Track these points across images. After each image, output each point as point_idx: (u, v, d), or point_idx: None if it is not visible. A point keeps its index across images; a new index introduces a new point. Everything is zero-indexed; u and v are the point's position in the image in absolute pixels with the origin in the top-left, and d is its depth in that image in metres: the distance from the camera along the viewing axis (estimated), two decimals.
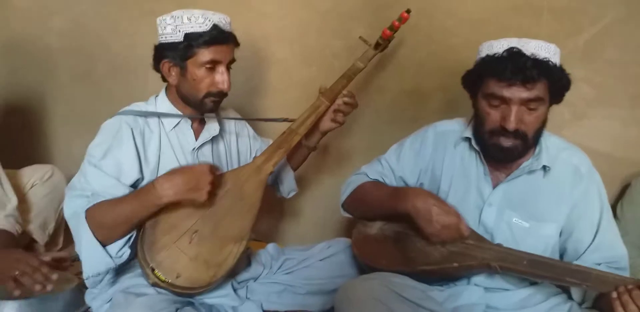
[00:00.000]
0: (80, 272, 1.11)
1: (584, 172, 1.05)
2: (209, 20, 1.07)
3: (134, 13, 1.68)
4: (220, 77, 1.10)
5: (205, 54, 1.08)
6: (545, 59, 0.96)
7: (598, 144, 1.53)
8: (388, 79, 1.65)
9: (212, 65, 1.10)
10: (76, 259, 1.44)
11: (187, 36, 1.07)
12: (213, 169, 1.02)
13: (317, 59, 1.66)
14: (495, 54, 0.98)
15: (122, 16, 1.69)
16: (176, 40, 1.09)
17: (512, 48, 0.97)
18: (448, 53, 1.56)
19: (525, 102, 0.97)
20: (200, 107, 1.14)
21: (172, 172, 1.01)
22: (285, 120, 1.24)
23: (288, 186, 1.40)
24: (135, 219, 1.01)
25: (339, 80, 1.25)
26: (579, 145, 1.14)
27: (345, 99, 1.21)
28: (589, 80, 1.49)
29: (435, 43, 1.58)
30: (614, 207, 1.47)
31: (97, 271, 1.02)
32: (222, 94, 1.13)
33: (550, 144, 1.08)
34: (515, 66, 0.94)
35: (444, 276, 1.07)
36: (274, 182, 1.39)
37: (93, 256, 1.01)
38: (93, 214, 1.00)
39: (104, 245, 1.01)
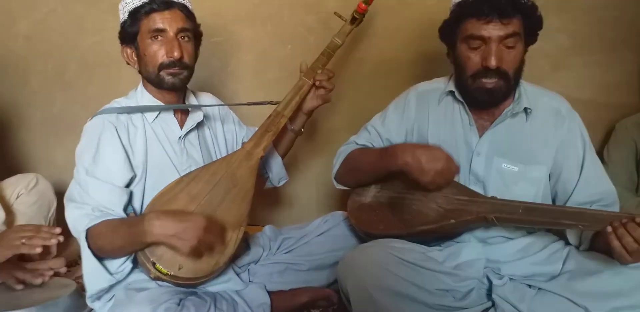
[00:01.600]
0: (79, 277, 1.11)
1: (565, 113, 1.09)
2: None
3: (99, 8, 1.64)
4: (168, 45, 1.06)
5: (146, 24, 1.06)
6: None
7: (580, 92, 1.53)
8: (365, 50, 1.62)
9: (158, 34, 1.06)
10: (72, 264, 1.43)
11: (130, 13, 1.07)
12: (208, 225, 0.96)
13: (292, 36, 1.63)
14: None
15: (87, 13, 1.65)
16: (123, 21, 1.08)
17: None
18: (422, 17, 1.54)
19: (503, 39, 1.00)
20: (161, 84, 1.10)
21: (167, 213, 0.98)
22: (269, 103, 1.22)
23: (277, 173, 1.37)
24: (129, 248, 0.99)
25: (319, 58, 1.23)
26: (562, 95, 1.14)
27: (318, 77, 1.19)
28: (565, 29, 1.49)
29: (408, 8, 1.55)
30: (600, 153, 1.47)
31: (100, 287, 1.01)
32: (176, 64, 1.07)
33: (529, 90, 1.11)
34: (491, 3, 0.99)
35: (441, 234, 1.08)
36: (263, 172, 1.36)
37: (93, 273, 1.01)
38: (92, 237, 0.99)
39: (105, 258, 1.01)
